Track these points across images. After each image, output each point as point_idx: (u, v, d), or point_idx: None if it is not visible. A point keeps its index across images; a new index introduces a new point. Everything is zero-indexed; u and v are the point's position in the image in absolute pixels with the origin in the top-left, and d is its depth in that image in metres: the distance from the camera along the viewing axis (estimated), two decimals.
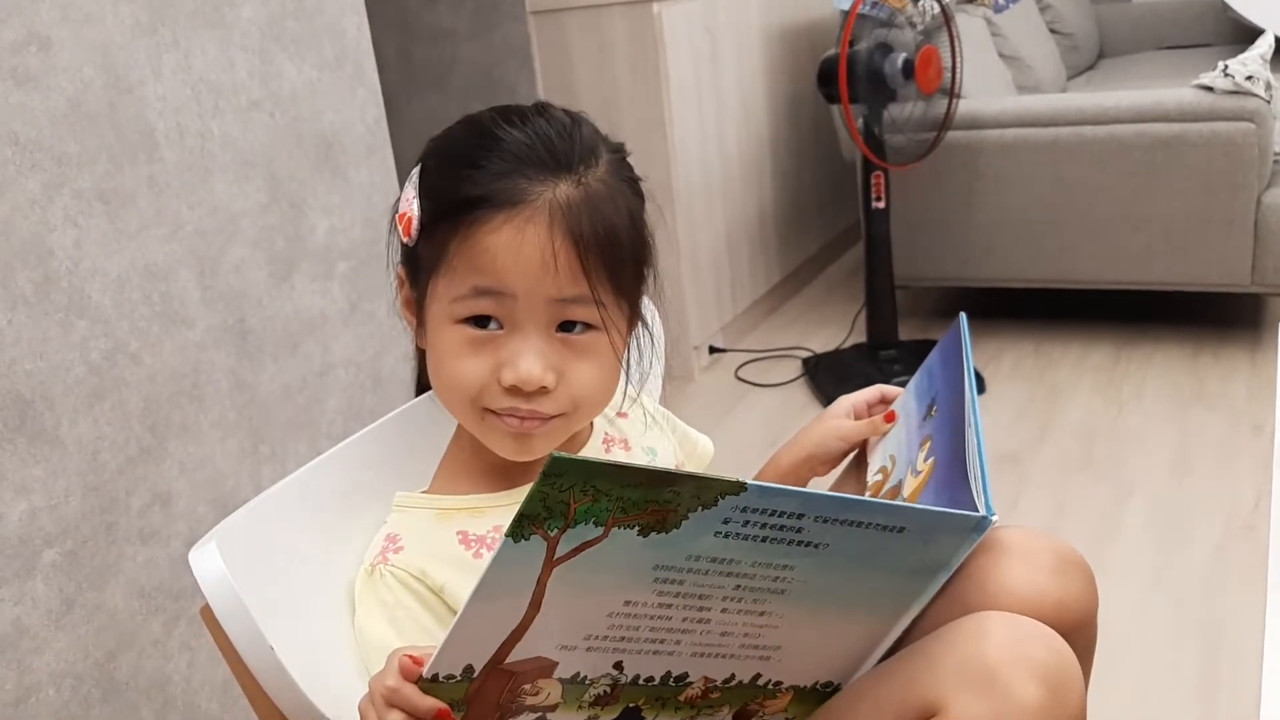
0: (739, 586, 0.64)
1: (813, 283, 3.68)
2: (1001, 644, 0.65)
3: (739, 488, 0.57)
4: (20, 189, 1.22)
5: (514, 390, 0.75)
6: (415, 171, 0.78)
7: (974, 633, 0.66)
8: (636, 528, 0.57)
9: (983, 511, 0.70)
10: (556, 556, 0.57)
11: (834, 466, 0.98)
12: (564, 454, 0.54)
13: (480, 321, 0.75)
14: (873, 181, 2.66)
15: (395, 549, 0.78)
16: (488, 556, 0.75)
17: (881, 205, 2.67)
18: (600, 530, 0.57)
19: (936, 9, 2.97)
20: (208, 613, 0.69)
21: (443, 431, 0.86)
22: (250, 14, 1.47)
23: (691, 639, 0.66)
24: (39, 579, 1.24)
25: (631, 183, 0.79)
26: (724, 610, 0.65)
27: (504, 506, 0.80)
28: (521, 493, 0.79)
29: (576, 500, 0.55)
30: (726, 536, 0.59)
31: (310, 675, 0.69)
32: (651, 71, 2.78)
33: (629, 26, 2.79)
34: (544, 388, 0.75)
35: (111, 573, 1.31)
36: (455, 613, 0.73)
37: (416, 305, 0.79)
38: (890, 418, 0.93)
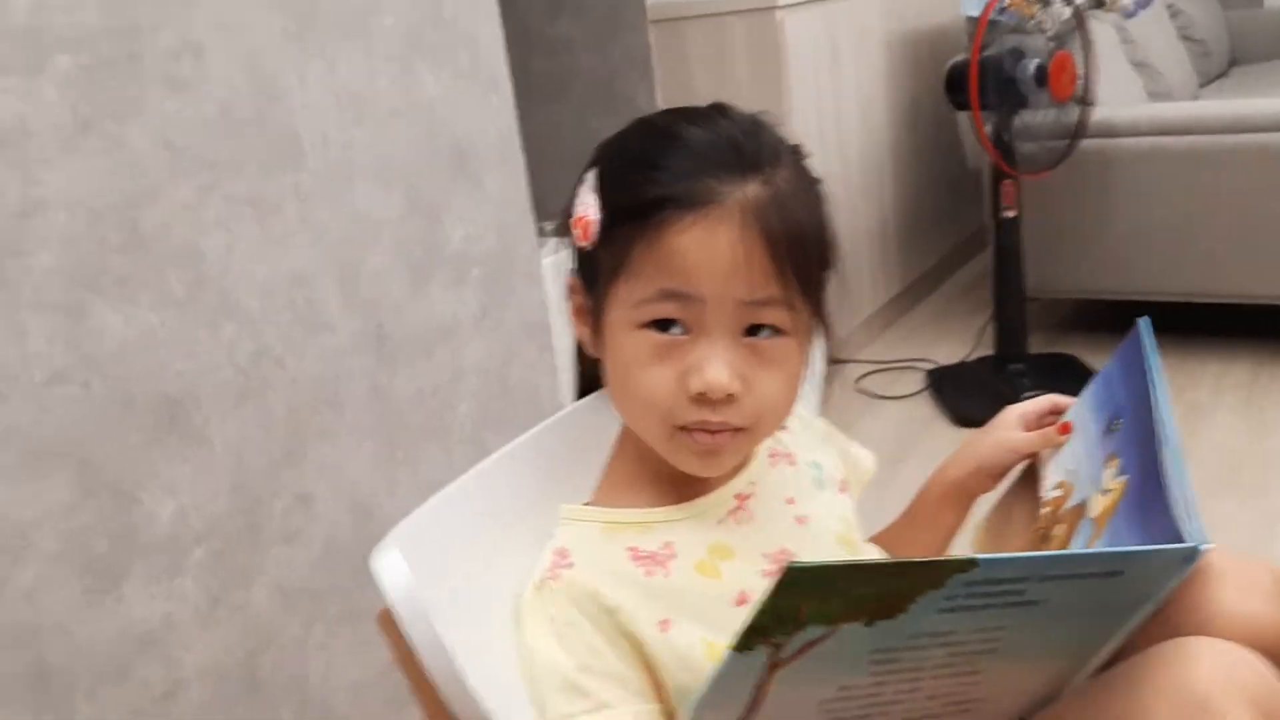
0: (952, 653, 0.62)
1: (934, 293, 3.61)
2: (1212, 671, 0.61)
3: (970, 565, 0.55)
4: (174, 193, 1.25)
5: (701, 399, 0.73)
6: (591, 175, 0.77)
7: (1180, 659, 0.63)
8: (864, 619, 0.55)
9: (1194, 541, 0.66)
10: (780, 659, 0.56)
11: (1002, 480, 0.94)
12: (800, 564, 0.52)
13: (663, 326, 0.73)
14: (1003, 190, 2.59)
15: (566, 564, 0.76)
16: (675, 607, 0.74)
17: (1012, 214, 2.60)
18: (827, 629, 0.55)
19: (1067, 14, 2.89)
20: (386, 619, 0.68)
21: (604, 437, 0.85)
22: (392, 23, 1.49)
23: (900, 708, 0.64)
24: (188, 577, 1.26)
25: (813, 183, 0.77)
26: (935, 677, 0.63)
27: (674, 521, 0.78)
28: (692, 507, 0.78)
29: (806, 604, 0.53)
30: (951, 611, 0.57)
31: (482, 685, 0.68)
32: (773, 79, 2.75)
33: (750, 34, 2.77)
34: (731, 395, 0.73)
35: (255, 572, 1.33)
36: (626, 635, 0.71)
37: (592, 312, 0.78)
38: (1065, 429, 0.89)
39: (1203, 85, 4.09)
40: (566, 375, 0.92)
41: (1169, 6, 4.10)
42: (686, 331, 0.73)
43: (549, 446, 0.85)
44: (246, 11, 1.31)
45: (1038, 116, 2.56)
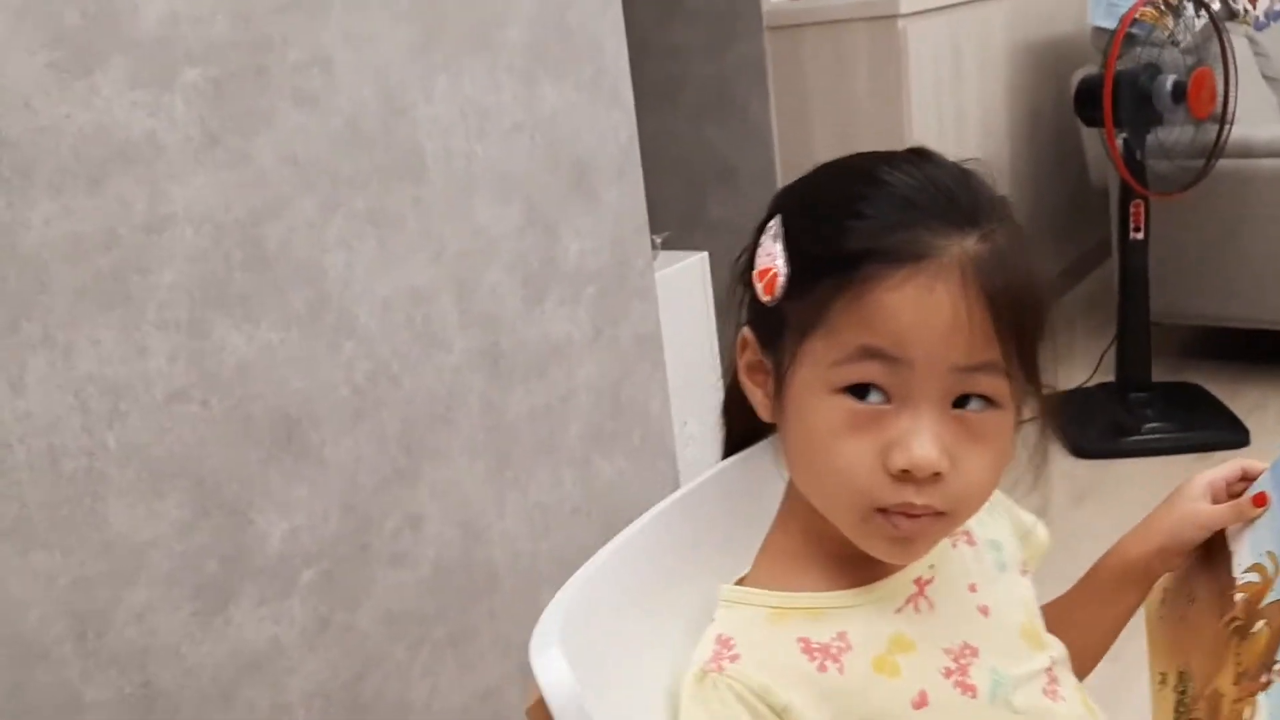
0: None
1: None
2: None
3: None
4: (299, 209, 1.23)
5: (903, 477, 0.65)
6: (775, 223, 0.71)
7: None
8: None
9: None
10: None
11: (1188, 557, 0.86)
12: None
13: (861, 392, 0.66)
14: (1132, 210, 2.48)
15: (730, 655, 0.69)
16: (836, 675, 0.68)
17: (1140, 236, 2.49)
18: None
19: (1199, 24, 2.76)
20: (539, 712, 0.64)
21: (757, 504, 0.79)
22: (517, 35, 1.46)
23: None
24: (296, 599, 1.24)
25: (1025, 239, 0.70)
26: None
27: (849, 608, 0.71)
28: (869, 593, 0.72)
29: None
30: None
31: None
32: (893, 89, 2.67)
33: (871, 42, 2.69)
34: (938, 475, 0.65)
35: (363, 594, 1.31)
36: None
37: (772, 372, 0.72)
38: (1261, 501, 0.81)
39: None
40: (707, 426, 0.86)
41: None
42: (888, 400, 0.66)
43: (697, 513, 0.79)
44: (375, 24, 1.29)
45: (1173, 135, 2.45)
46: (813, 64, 2.79)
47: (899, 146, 0.72)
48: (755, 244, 0.72)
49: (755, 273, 0.70)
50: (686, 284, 2.07)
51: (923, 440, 0.65)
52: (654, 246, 1.96)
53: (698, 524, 0.79)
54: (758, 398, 0.73)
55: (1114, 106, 2.35)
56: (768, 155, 2.90)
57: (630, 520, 0.80)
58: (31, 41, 1.02)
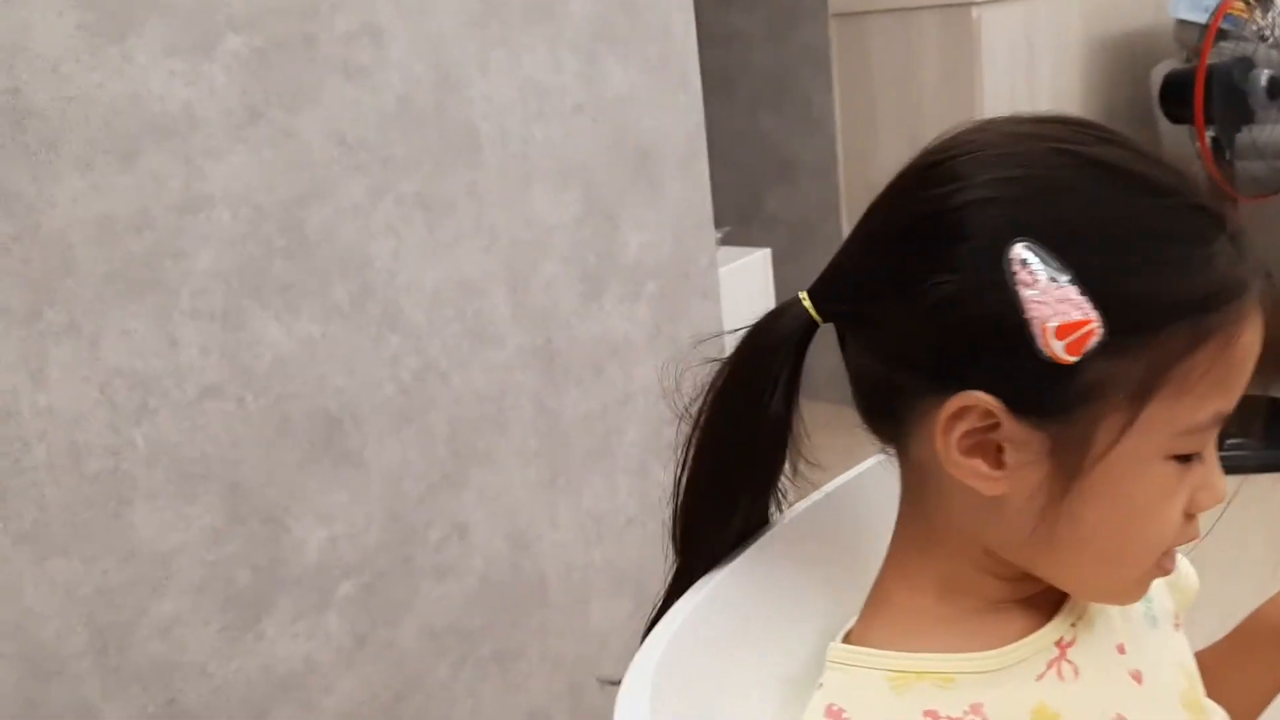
0: None
1: None
2: None
3: None
4: (345, 192, 1.13)
5: (1191, 518, 0.59)
6: (1045, 260, 0.53)
7: None
8: None
9: None
10: None
11: None
12: None
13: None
14: None
15: None
16: None
17: None
18: None
19: None
20: None
21: (859, 543, 0.68)
22: (580, 8, 1.36)
23: None
24: (333, 613, 1.15)
25: None
26: None
27: (983, 674, 0.60)
28: (1006, 656, 0.61)
29: None
30: None
31: None
32: (965, 81, 2.55)
33: (942, 31, 2.57)
34: None
35: (405, 609, 1.22)
36: None
37: (1045, 446, 0.56)
38: None
39: None
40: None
41: None
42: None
43: (791, 555, 0.68)
44: None
45: (1265, 133, 2.31)
46: (880, 54, 2.67)
47: None
48: (1017, 292, 0.53)
49: (1045, 328, 0.53)
50: (749, 282, 1.97)
51: (1219, 475, 0.59)
52: (715, 243, 1.86)
53: (794, 567, 0.68)
54: (978, 471, 0.57)
55: (1204, 103, 2.21)
56: (829, 148, 2.79)
57: None
58: (61, 1, 0.93)
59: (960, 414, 0.56)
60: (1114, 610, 0.66)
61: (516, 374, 1.32)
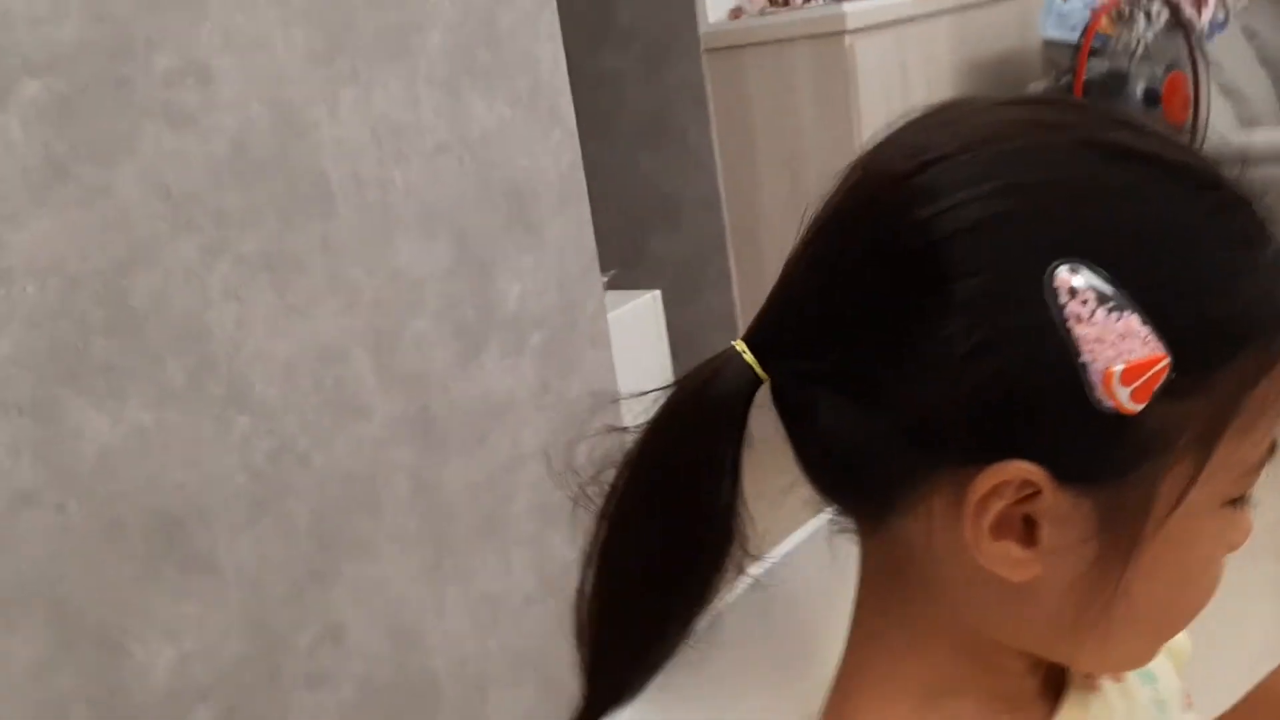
0: None
1: None
2: None
3: None
4: (173, 254, 0.98)
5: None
6: (1098, 286, 0.41)
7: None
8: None
9: None
10: None
11: None
12: None
13: None
14: None
15: None
16: None
17: None
18: None
19: (1151, 35, 2.64)
20: None
21: (816, 615, 0.55)
22: (439, 41, 1.23)
23: None
24: None
25: None
26: None
27: None
28: None
29: None
30: None
31: None
32: (841, 109, 2.49)
33: (816, 61, 2.52)
34: None
35: None
36: None
37: (1094, 515, 0.44)
38: None
39: None
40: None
41: (1244, 29, 3.84)
42: None
43: (715, 675, 0.54)
44: (263, 25, 1.05)
45: None
46: (755, 87, 2.61)
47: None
48: (1071, 327, 0.41)
49: (1102, 373, 0.40)
50: (640, 327, 1.85)
51: (1249, 514, 0.48)
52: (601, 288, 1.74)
53: (729, 683, 0.55)
54: (1009, 556, 0.44)
55: None
56: (711, 185, 2.70)
57: None
58: None
59: (996, 491, 0.43)
60: (1114, 695, 0.55)
61: (388, 448, 1.18)
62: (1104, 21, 2.68)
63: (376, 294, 1.17)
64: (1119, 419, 0.41)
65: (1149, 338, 0.41)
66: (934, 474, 0.44)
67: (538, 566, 1.37)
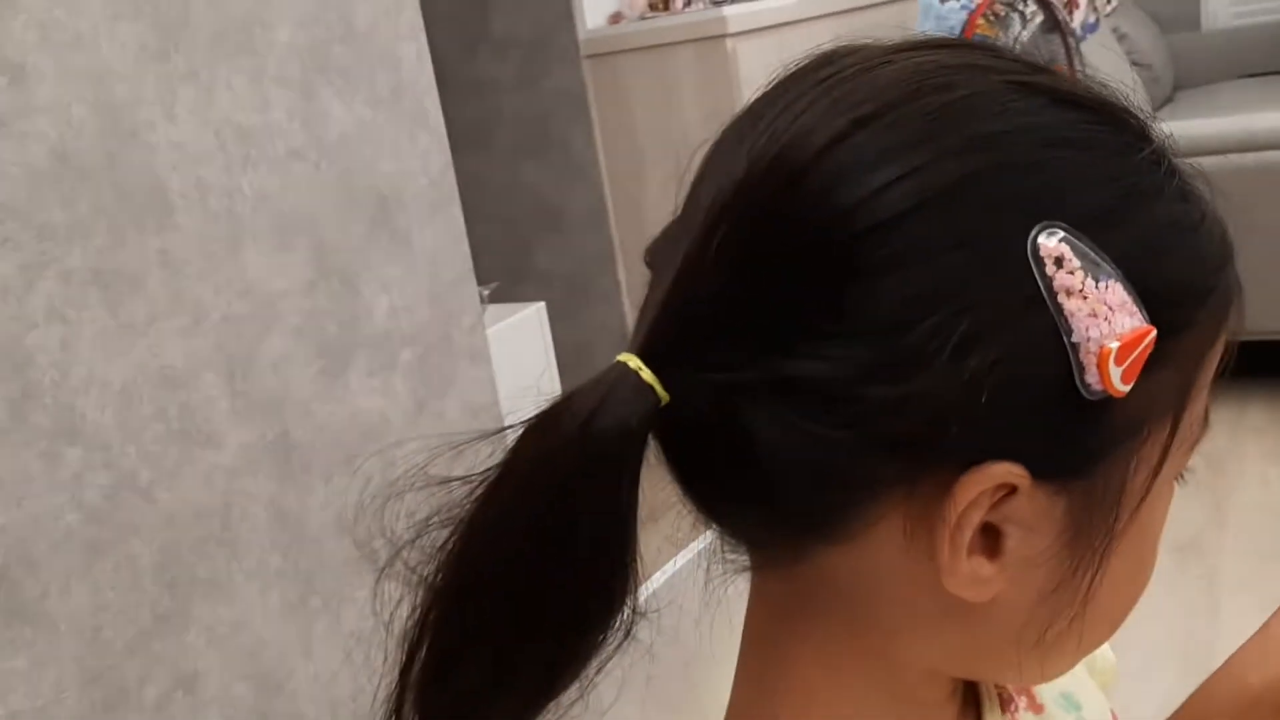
0: None
1: None
2: None
3: None
4: None
5: None
6: (1083, 251, 0.35)
7: None
8: None
9: None
10: None
11: None
12: None
13: None
14: None
15: None
16: None
17: None
18: None
19: (1027, 35, 2.67)
20: None
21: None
22: (286, 36, 1.14)
23: None
24: None
25: None
26: None
27: None
28: None
29: None
30: None
31: None
32: (726, 113, 2.43)
33: (698, 64, 2.47)
34: None
35: None
36: None
37: (1075, 515, 0.38)
38: None
39: (1155, 110, 3.92)
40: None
41: (1114, 30, 3.94)
42: None
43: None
44: (85, 18, 0.96)
45: None
46: (638, 92, 2.55)
47: None
48: (1064, 302, 0.35)
49: (1096, 353, 0.35)
50: (523, 341, 1.77)
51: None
52: (481, 300, 1.67)
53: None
54: (978, 575, 0.37)
55: None
56: (596, 194, 2.64)
57: None
58: None
59: (977, 501, 0.36)
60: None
61: (243, 478, 1.08)
62: (980, 22, 2.70)
63: (226, 311, 1.08)
64: (1101, 403, 0.36)
65: (1134, 308, 0.36)
66: (892, 492, 0.37)
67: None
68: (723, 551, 0.43)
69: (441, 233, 1.36)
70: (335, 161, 1.20)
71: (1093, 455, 0.37)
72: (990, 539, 0.37)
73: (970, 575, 0.37)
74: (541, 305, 1.86)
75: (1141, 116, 0.39)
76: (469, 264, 1.41)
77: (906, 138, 0.36)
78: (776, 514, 0.39)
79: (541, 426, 0.37)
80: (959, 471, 0.36)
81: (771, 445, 0.37)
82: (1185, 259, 0.38)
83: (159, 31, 1.02)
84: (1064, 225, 0.35)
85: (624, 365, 0.37)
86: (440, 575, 0.39)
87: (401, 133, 1.29)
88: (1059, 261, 0.35)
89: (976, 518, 0.36)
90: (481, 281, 1.65)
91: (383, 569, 0.39)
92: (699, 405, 0.37)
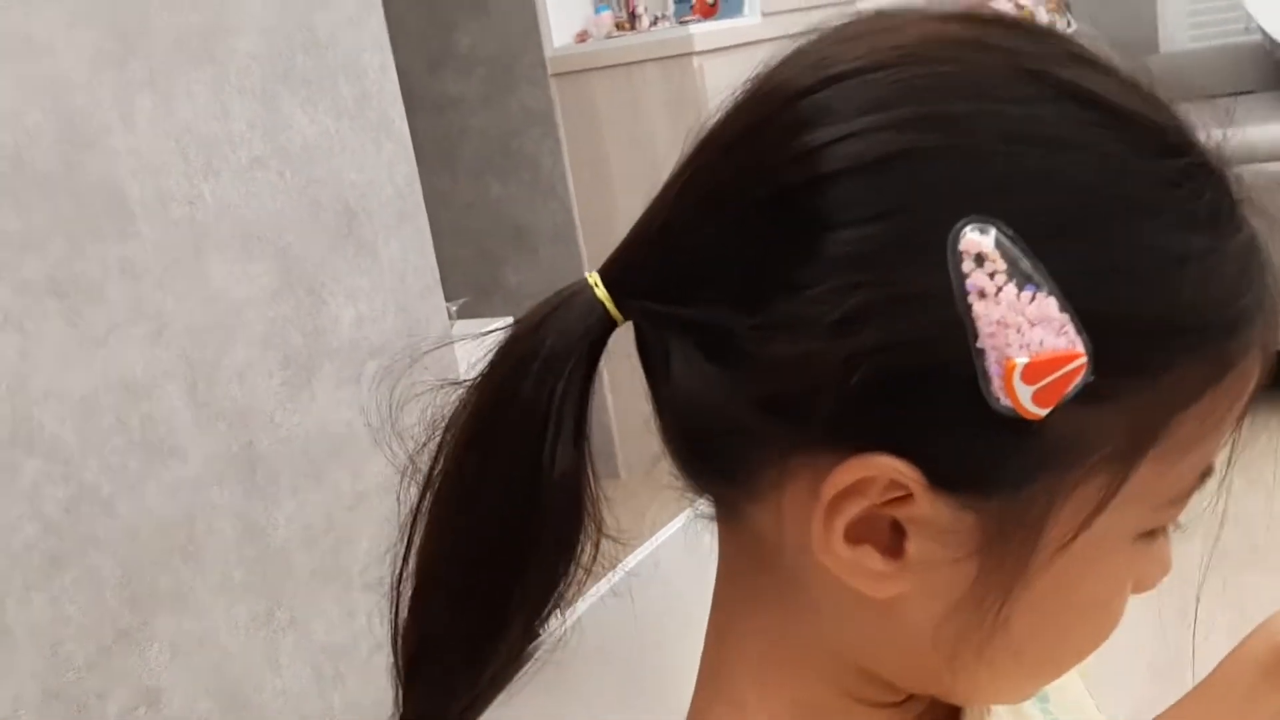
0: None
1: None
2: None
3: None
4: None
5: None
6: (1014, 255, 0.33)
7: None
8: None
9: None
10: None
11: None
12: None
13: None
14: None
15: None
16: None
17: None
18: None
19: None
20: None
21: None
22: (249, 47, 1.14)
23: None
24: None
25: None
26: None
27: None
28: None
29: None
30: None
31: None
32: (694, 130, 2.46)
33: (665, 82, 2.48)
34: None
35: None
36: None
37: (986, 537, 0.36)
38: None
39: None
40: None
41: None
42: None
43: (572, 688, 0.47)
44: (42, 24, 0.95)
45: None
46: (606, 110, 2.55)
47: None
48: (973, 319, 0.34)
49: (1000, 364, 0.33)
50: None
51: (1169, 544, 0.40)
52: (449, 316, 1.66)
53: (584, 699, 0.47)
54: (863, 565, 0.37)
55: None
56: (565, 211, 2.64)
57: None
58: None
59: (857, 488, 0.35)
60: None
61: (208, 490, 1.07)
62: None
63: (189, 321, 1.07)
64: (1018, 422, 0.34)
65: (1065, 328, 0.33)
66: (789, 455, 0.37)
67: (386, 612, 1.27)
68: (692, 498, 0.43)
69: (408, 244, 1.36)
70: (299, 171, 1.19)
71: (1009, 476, 0.35)
72: (897, 536, 0.36)
73: (853, 563, 0.36)
74: (510, 320, 1.85)
75: (1188, 134, 0.36)
76: (436, 274, 1.40)
77: (863, 102, 0.35)
78: (700, 458, 0.39)
79: (512, 331, 0.40)
80: (849, 454, 0.35)
81: (679, 379, 0.37)
82: (1168, 294, 0.35)
83: (117, 38, 1.01)
84: (1000, 224, 0.33)
85: (584, 280, 0.39)
86: (433, 469, 0.41)
87: (367, 143, 1.29)
88: (979, 259, 0.33)
89: (857, 507, 0.35)
90: (449, 298, 1.64)
91: (402, 473, 0.41)
92: (644, 333, 0.39)
